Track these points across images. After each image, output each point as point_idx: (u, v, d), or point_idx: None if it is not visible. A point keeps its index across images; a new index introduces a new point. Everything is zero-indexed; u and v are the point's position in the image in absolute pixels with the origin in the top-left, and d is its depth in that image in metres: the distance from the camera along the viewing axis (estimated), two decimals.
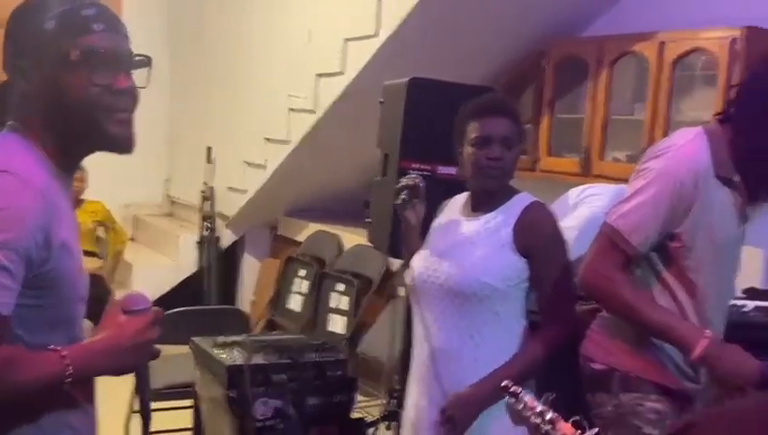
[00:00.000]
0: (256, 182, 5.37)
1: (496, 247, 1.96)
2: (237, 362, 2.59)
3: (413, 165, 2.84)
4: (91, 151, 1.34)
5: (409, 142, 2.86)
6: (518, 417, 1.35)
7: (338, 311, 4.77)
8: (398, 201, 2.04)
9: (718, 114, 1.83)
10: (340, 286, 4.78)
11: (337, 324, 4.75)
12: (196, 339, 2.86)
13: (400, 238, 2.21)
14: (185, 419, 3.12)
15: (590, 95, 3.99)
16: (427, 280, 1.99)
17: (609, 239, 1.80)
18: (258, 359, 2.64)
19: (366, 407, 3.89)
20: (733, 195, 1.78)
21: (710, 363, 1.71)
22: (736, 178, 1.77)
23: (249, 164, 5.44)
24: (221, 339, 2.82)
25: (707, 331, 1.74)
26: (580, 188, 2.77)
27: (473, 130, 1.98)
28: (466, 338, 1.95)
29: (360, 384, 4.35)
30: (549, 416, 1.30)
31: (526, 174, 4.28)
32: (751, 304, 2.48)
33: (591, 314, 1.98)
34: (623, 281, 1.79)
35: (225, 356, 2.66)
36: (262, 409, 2.55)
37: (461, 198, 2.14)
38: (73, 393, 1.26)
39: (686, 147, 1.77)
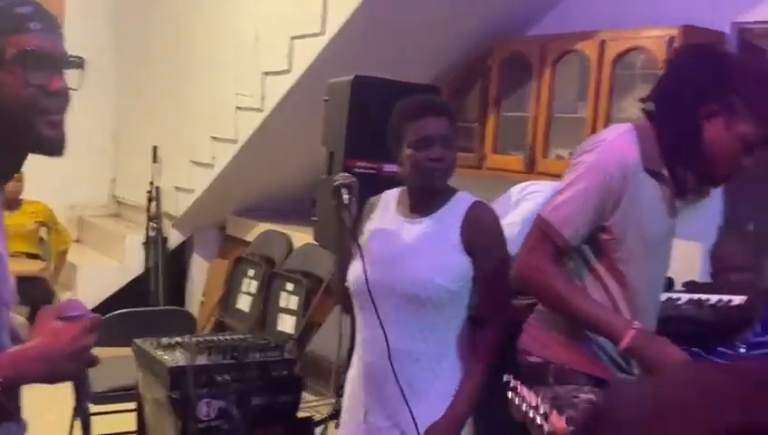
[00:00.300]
0: (203, 182, 5.31)
1: (447, 249, 1.98)
2: (180, 364, 2.56)
3: (358, 163, 2.85)
4: (21, 155, 1.31)
5: (354, 140, 2.87)
6: (516, 410, 1.38)
7: (287, 311, 4.75)
8: (345, 201, 2.01)
9: (644, 110, 1.88)
10: (290, 286, 4.76)
11: (286, 324, 4.73)
12: (137, 341, 2.81)
13: (335, 239, 2.19)
14: (128, 422, 3.07)
15: (534, 94, 4.04)
16: (377, 285, 1.97)
17: (542, 232, 1.84)
18: (201, 359, 2.61)
19: (316, 406, 3.89)
20: (662, 188, 1.83)
21: (637, 354, 1.75)
22: (664, 172, 1.82)
23: (196, 163, 5.39)
24: (164, 340, 2.78)
25: (636, 322, 1.77)
26: (522, 184, 2.81)
27: (411, 132, 1.98)
28: (418, 339, 1.97)
29: (310, 384, 4.35)
30: (542, 410, 1.32)
31: (473, 172, 4.32)
32: (685, 296, 2.54)
33: (529, 309, 2.01)
34: (555, 273, 1.82)
35: (167, 357, 2.62)
36: (205, 409, 2.52)
37: (392, 197, 2.13)
38: (2, 401, 1.22)
39: (616, 141, 1.81)
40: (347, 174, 2.15)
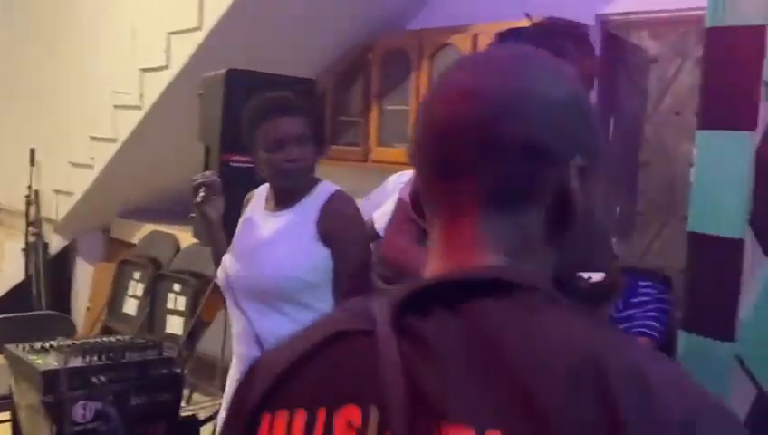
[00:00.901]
0: (83, 183, 5.14)
1: (303, 240, 1.99)
2: (53, 367, 2.48)
3: (234, 157, 2.83)
4: None
5: (229, 135, 2.85)
6: None
7: (175, 312, 4.66)
8: (198, 199, 2.01)
9: None
10: (177, 287, 4.68)
11: (175, 326, 4.65)
12: (9, 346, 2.71)
13: (204, 235, 2.19)
14: (4, 432, 2.95)
15: (414, 87, 4.12)
16: (237, 279, 1.98)
17: (405, 214, 1.89)
18: (76, 362, 2.53)
19: (205, 406, 3.84)
20: None
21: None
22: None
23: (75, 165, 5.21)
24: (37, 345, 2.69)
25: None
26: (398, 174, 2.87)
27: (264, 134, 1.98)
28: (285, 330, 1.97)
29: (200, 384, 4.29)
30: None
31: (358, 165, 4.37)
32: None
33: None
34: (420, 252, 1.88)
35: (39, 362, 2.53)
36: (81, 412, 2.45)
37: (263, 191, 2.14)
38: None
39: None
40: (210, 172, 2.15)
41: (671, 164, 3.57)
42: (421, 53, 4.04)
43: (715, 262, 2.41)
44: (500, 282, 0.67)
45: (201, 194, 2.00)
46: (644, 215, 3.69)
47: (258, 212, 2.09)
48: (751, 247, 2.34)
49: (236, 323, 2.03)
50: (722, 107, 2.39)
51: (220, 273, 2.04)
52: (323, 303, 2.00)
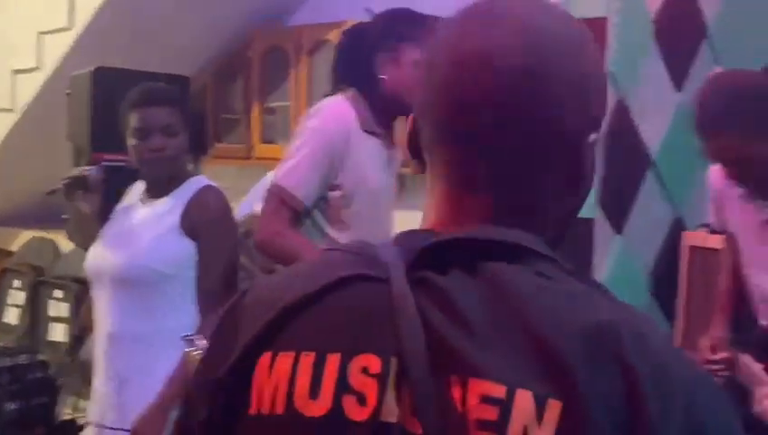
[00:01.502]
0: None
1: (165, 232, 2.00)
2: None
3: (105, 156, 2.80)
4: None
5: (100, 134, 2.82)
6: None
7: (58, 319, 4.53)
8: (57, 191, 2.01)
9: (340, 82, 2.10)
10: (59, 293, 4.55)
11: (58, 333, 4.52)
12: None
13: (76, 232, 2.18)
14: None
15: (293, 83, 4.16)
16: (98, 268, 1.98)
17: (278, 198, 1.95)
18: None
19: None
20: (379, 146, 2.03)
21: None
22: (380, 131, 2.02)
23: None
24: None
25: None
26: (273, 172, 2.90)
27: (133, 121, 2.01)
28: (142, 322, 1.98)
29: (84, 390, 4.19)
30: None
31: (242, 162, 4.38)
32: None
33: None
34: (293, 235, 1.94)
35: None
36: None
37: (142, 184, 2.16)
38: None
39: (332, 106, 2.00)
40: (83, 168, 2.15)
41: None
42: (300, 49, 4.09)
43: (570, 240, 2.56)
44: (515, 247, 0.67)
45: (60, 187, 2.00)
46: None
47: (133, 202, 2.11)
48: (602, 226, 2.52)
49: (97, 315, 2.04)
50: None
51: (87, 263, 2.04)
52: (183, 298, 2.00)
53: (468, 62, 0.69)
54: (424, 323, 0.63)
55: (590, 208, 2.41)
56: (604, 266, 2.48)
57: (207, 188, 2.07)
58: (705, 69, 2.59)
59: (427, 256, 0.66)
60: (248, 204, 2.87)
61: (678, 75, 2.63)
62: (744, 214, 2.01)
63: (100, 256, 1.98)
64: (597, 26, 2.42)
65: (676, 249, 2.60)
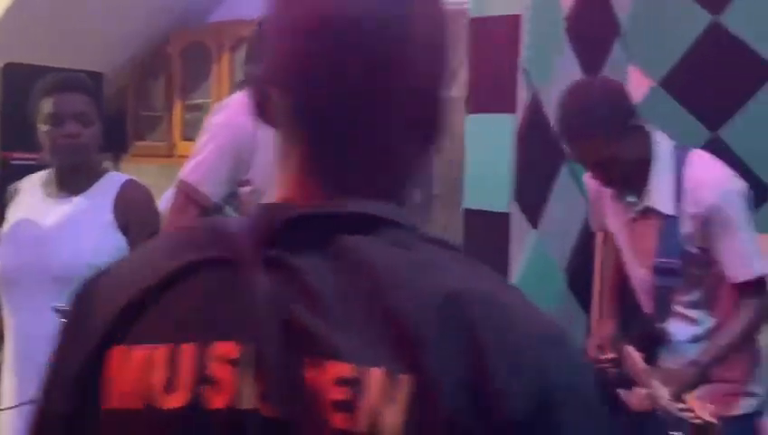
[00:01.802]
0: None
1: (100, 229, 1.98)
2: None
3: (15, 154, 2.73)
4: None
5: (10, 131, 2.74)
6: None
7: None
8: None
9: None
10: None
11: None
12: None
13: None
14: None
15: (215, 80, 4.11)
16: (19, 269, 1.92)
17: (185, 193, 1.94)
18: None
19: None
20: None
21: None
22: None
23: None
24: None
25: None
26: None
27: (46, 108, 1.97)
28: None
29: None
30: None
31: (164, 160, 4.30)
32: None
33: None
34: None
35: None
36: None
37: (37, 179, 2.10)
38: None
39: (239, 101, 1.98)
40: None
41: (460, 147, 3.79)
42: (221, 46, 4.04)
43: (486, 234, 2.61)
44: (367, 217, 0.66)
45: None
46: (440, 197, 3.90)
47: (38, 200, 2.04)
48: (518, 220, 2.56)
49: (12, 319, 1.98)
50: (485, 92, 2.60)
51: None
52: None
53: (309, 27, 0.67)
54: (277, 305, 0.62)
55: (506, 203, 2.45)
56: (520, 260, 2.52)
57: (131, 182, 2.06)
58: (617, 67, 2.65)
59: (282, 233, 0.66)
60: (167, 199, 2.84)
61: (592, 73, 2.70)
62: (616, 213, 2.12)
63: (27, 257, 1.92)
64: (510, 23, 2.47)
65: (590, 243, 2.67)
